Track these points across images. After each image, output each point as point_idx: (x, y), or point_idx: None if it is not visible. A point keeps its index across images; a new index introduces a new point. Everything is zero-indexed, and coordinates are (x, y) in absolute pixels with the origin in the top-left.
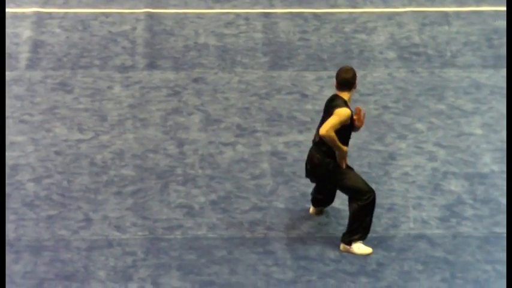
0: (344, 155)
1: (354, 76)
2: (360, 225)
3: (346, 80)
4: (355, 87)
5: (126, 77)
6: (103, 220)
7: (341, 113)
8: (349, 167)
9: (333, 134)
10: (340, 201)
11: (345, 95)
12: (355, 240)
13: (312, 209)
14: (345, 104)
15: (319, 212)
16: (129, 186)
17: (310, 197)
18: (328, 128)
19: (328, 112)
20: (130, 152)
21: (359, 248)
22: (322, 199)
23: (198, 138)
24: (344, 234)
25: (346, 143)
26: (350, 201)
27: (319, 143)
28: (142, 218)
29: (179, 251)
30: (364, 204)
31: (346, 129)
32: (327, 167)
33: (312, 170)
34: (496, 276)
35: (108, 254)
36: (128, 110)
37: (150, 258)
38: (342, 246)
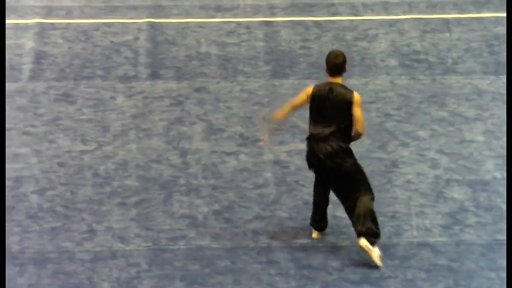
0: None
1: (344, 61)
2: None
3: (337, 66)
4: (345, 71)
5: (128, 87)
6: (107, 231)
7: (359, 99)
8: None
9: None
10: (342, 210)
11: (339, 80)
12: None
13: (316, 234)
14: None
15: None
16: (132, 197)
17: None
18: (363, 125)
19: (341, 103)
20: (134, 163)
21: (379, 254)
22: (322, 216)
23: (201, 148)
24: (374, 233)
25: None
26: (362, 198)
27: (334, 135)
28: (146, 229)
29: (183, 261)
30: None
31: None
32: (348, 160)
33: (328, 161)
34: (500, 283)
35: (112, 266)
36: (130, 120)
37: (154, 269)
38: (363, 243)
